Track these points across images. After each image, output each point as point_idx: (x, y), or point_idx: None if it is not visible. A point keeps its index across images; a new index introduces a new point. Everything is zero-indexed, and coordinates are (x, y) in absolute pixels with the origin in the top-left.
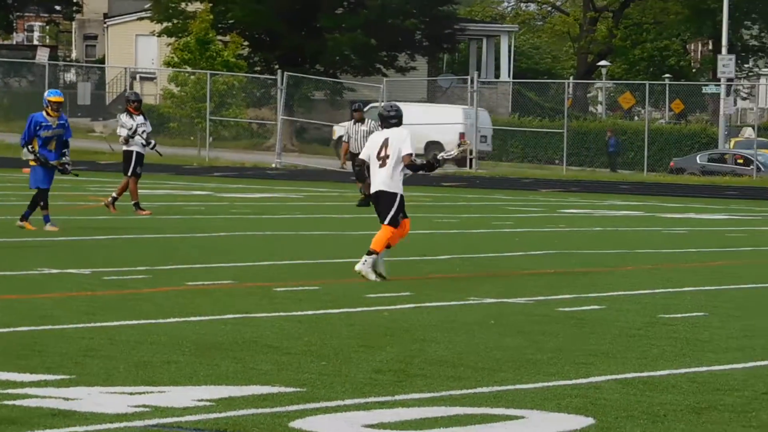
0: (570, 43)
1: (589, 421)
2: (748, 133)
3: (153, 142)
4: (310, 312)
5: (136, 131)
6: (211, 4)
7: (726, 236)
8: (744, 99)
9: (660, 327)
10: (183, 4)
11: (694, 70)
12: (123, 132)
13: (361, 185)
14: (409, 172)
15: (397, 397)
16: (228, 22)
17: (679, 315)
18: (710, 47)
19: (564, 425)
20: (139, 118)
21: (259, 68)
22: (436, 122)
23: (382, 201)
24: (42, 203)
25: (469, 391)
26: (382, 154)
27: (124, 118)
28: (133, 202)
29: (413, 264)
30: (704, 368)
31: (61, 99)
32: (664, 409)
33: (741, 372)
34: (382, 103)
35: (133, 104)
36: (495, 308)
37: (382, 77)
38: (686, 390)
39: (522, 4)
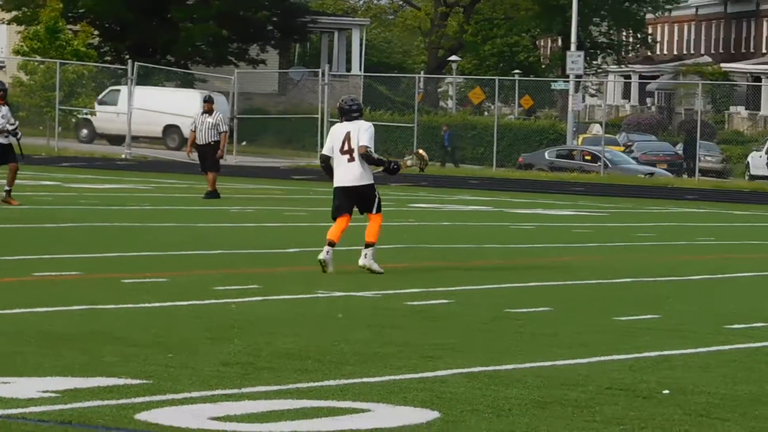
0: (421, 37)
1: (435, 414)
2: (596, 129)
3: (16, 131)
4: (157, 304)
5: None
6: None
7: (573, 232)
8: (592, 96)
9: (506, 321)
10: None
11: (543, 66)
12: None
13: None
14: None
15: (244, 390)
16: (78, 11)
17: (525, 310)
18: (560, 44)
19: (409, 419)
20: (5, 108)
21: (109, 58)
22: (174, 107)
23: (361, 195)
24: None
25: (316, 384)
26: (346, 147)
27: None
28: None
29: (262, 257)
30: (549, 363)
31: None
32: (509, 403)
33: (585, 367)
34: (342, 97)
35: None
36: (343, 302)
37: (233, 69)
38: (531, 384)
39: None
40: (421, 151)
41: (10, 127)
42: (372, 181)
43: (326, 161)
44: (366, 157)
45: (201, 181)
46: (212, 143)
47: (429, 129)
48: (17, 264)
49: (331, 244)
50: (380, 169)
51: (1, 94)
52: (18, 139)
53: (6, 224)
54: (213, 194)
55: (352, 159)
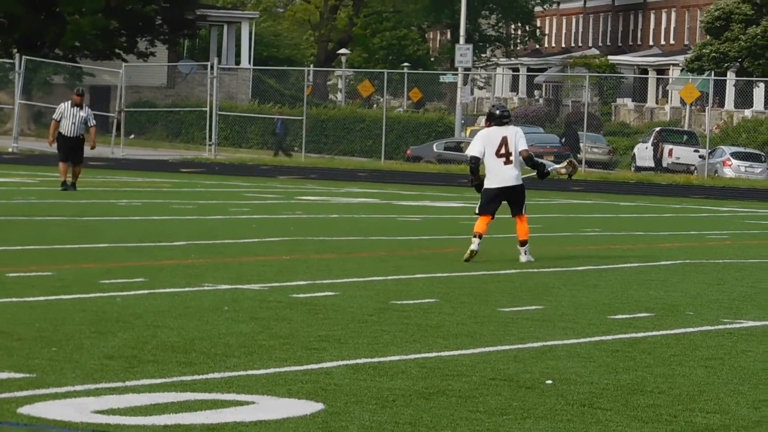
0: (311, 30)
1: (319, 406)
2: (484, 122)
3: None
4: (42, 298)
5: None
6: None
7: (460, 224)
8: (481, 88)
9: (392, 313)
10: None
11: (432, 59)
12: None
13: None
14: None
15: (128, 383)
16: None
17: (410, 301)
18: (449, 36)
19: (293, 410)
20: None
21: None
22: None
23: (518, 194)
24: None
25: (201, 376)
26: (503, 151)
27: None
28: None
29: (148, 250)
30: (434, 354)
31: None
32: (393, 395)
33: (469, 357)
34: (493, 104)
35: None
36: (229, 294)
37: (121, 62)
38: (415, 375)
39: None
40: (573, 160)
41: None
42: (523, 183)
43: (477, 162)
44: (529, 160)
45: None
46: (81, 137)
47: (318, 122)
48: None
49: (480, 236)
50: (534, 173)
51: None
52: None
53: None
54: (73, 186)
55: (509, 162)
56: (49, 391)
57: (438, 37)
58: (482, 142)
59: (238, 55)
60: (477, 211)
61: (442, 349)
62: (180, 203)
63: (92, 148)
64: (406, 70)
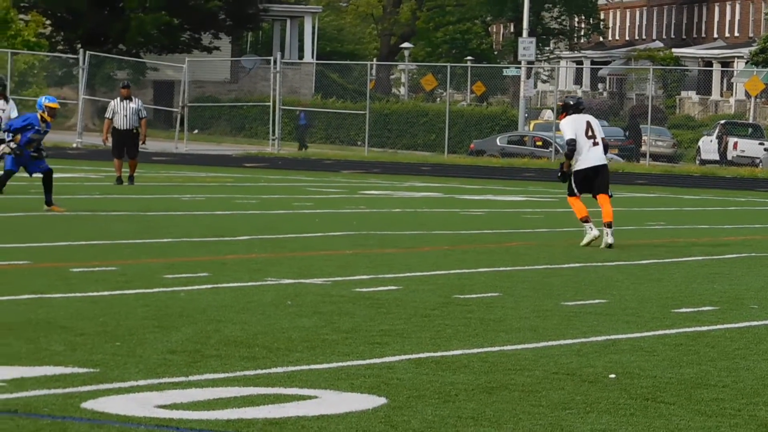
0: (373, 25)
1: (381, 400)
2: (548, 115)
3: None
4: (105, 293)
5: None
6: None
7: (522, 218)
8: (544, 82)
9: (454, 307)
10: None
11: (495, 53)
12: None
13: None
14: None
15: (191, 378)
16: (30, 1)
17: (473, 295)
18: (512, 30)
19: (356, 405)
20: (1, 103)
21: (61, 47)
22: None
23: (602, 174)
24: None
25: (263, 371)
26: (590, 134)
27: None
28: None
29: (211, 245)
30: (496, 348)
31: (58, 106)
32: (455, 389)
33: (532, 352)
34: (565, 95)
35: None
36: (292, 289)
37: (185, 57)
38: (478, 370)
39: None
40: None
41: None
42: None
43: (575, 144)
44: (605, 146)
45: (151, 169)
46: (135, 130)
47: (381, 116)
48: None
49: (587, 220)
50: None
51: (1, 89)
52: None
53: None
54: (131, 180)
55: (596, 143)
56: (112, 386)
57: (501, 31)
58: (573, 127)
59: (301, 49)
60: (575, 192)
61: (505, 344)
62: (243, 198)
63: (143, 142)
64: (469, 64)
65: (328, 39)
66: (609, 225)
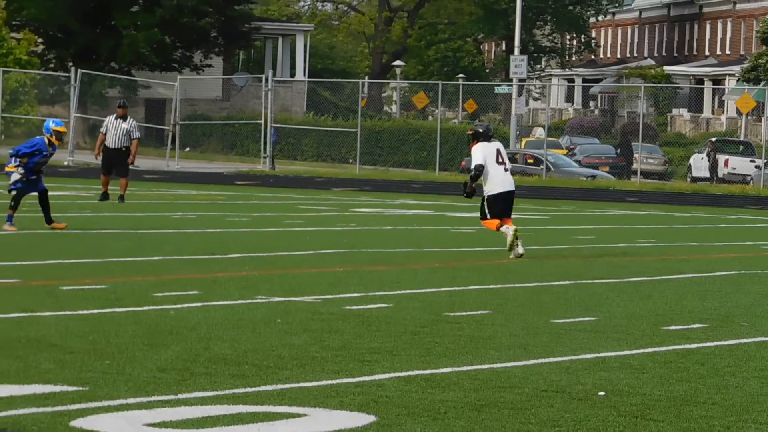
0: (365, 43)
1: (371, 418)
2: (539, 133)
3: None
4: (95, 310)
5: None
6: (4, 1)
7: None
8: (536, 99)
9: (444, 324)
10: None
11: (487, 71)
12: None
13: None
14: None
15: (180, 396)
16: (22, 18)
17: (463, 313)
18: (503, 48)
19: (345, 423)
20: None
21: (53, 65)
22: None
23: (511, 199)
24: (14, 203)
25: (253, 389)
26: (500, 160)
27: None
28: None
29: (202, 263)
30: (486, 365)
31: (65, 129)
32: (445, 406)
33: (522, 369)
34: (479, 122)
35: None
36: (282, 306)
37: (176, 75)
38: (467, 387)
39: (318, 4)
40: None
41: None
42: None
43: (482, 170)
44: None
45: (147, 187)
46: (124, 149)
47: (372, 134)
48: None
49: (501, 226)
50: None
51: None
52: None
53: None
54: (122, 198)
55: (507, 169)
56: (101, 404)
57: (493, 49)
58: (482, 153)
59: (293, 67)
60: (488, 216)
61: (495, 361)
62: (235, 216)
63: (131, 162)
64: (461, 82)
65: (320, 57)
66: (501, 226)
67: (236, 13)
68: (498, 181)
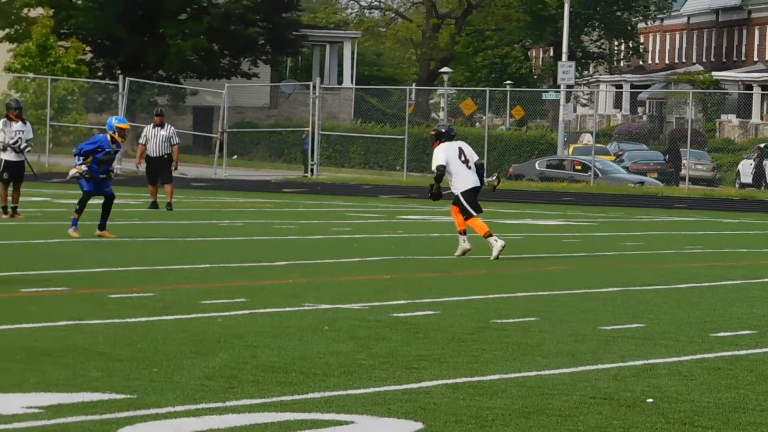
0: (413, 49)
1: (418, 425)
2: (587, 139)
3: (25, 146)
4: (143, 318)
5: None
6: (53, 10)
7: (561, 242)
8: (584, 105)
9: (491, 332)
10: (25, 10)
11: (535, 77)
12: None
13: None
14: None
15: (227, 404)
16: (70, 27)
17: (510, 320)
18: (551, 54)
19: (393, 430)
20: (18, 125)
21: (101, 74)
22: None
23: (476, 194)
24: (79, 207)
25: (300, 396)
26: (462, 159)
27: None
28: (1, 206)
29: (249, 270)
30: (533, 373)
31: (128, 126)
32: (492, 414)
33: (569, 376)
34: (442, 123)
35: (14, 111)
36: (329, 314)
37: (224, 82)
38: (515, 394)
39: (366, 11)
40: (500, 175)
41: (24, 145)
42: None
43: (444, 170)
44: (481, 166)
45: (194, 195)
46: (165, 156)
47: (420, 141)
48: (5, 280)
49: (490, 234)
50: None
51: (17, 112)
52: (20, 150)
53: None
54: (169, 206)
55: (470, 167)
56: (149, 411)
57: (540, 55)
58: (445, 154)
59: (340, 74)
60: (473, 213)
61: (542, 368)
62: (281, 223)
63: (174, 168)
64: (508, 88)
65: (368, 64)
66: (490, 234)
67: (284, 20)
68: (464, 177)
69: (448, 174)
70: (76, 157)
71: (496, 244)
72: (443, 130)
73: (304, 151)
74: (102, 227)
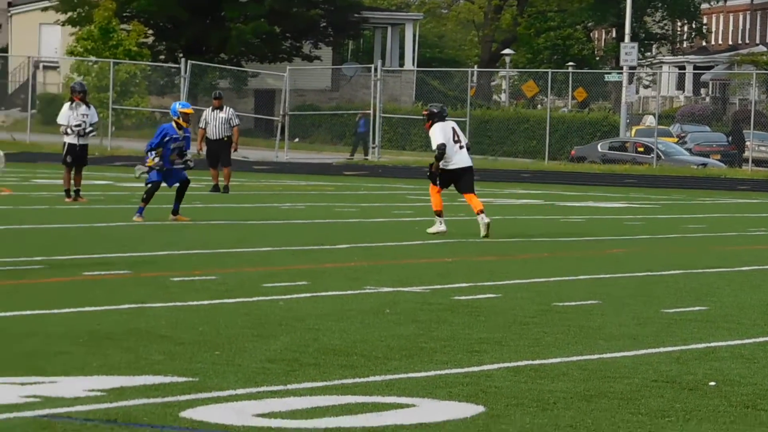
0: (474, 31)
1: (479, 409)
2: (650, 121)
3: (90, 130)
4: (205, 302)
5: (73, 123)
6: None
7: (623, 224)
8: (646, 87)
9: (553, 315)
10: None
11: (597, 58)
12: (63, 122)
13: None
14: None
15: (289, 386)
16: (132, 10)
17: (572, 303)
18: (613, 35)
19: (454, 413)
20: (82, 108)
21: (163, 57)
22: None
23: (468, 174)
24: (147, 196)
25: (361, 379)
26: (456, 139)
27: (64, 108)
28: (64, 189)
29: (311, 253)
30: (595, 356)
31: (192, 111)
32: (554, 397)
33: (631, 359)
34: (434, 104)
35: (78, 95)
36: (391, 297)
37: (286, 65)
38: (576, 377)
39: None
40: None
41: (89, 129)
42: None
43: (445, 148)
44: (468, 148)
45: (251, 177)
46: (225, 138)
47: (481, 123)
48: (68, 263)
49: (440, 214)
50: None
51: (81, 95)
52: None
53: (57, 224)
54: (226, 189)
55: (462, 147)
56: (210, 394)
57: (603, 36)
58: (443, 133)
59: (401, 56)
60: (436, 183)
61: (604, 351)
62: (343, 206)
63: (234, 149)
64: (570, 70)
65: (429, 46)
66: (482, 211)
67: (345, 2)
68: (453, 158)
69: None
70: (148, 153)
71: (440, 227)
72: (435, 111)
73: (357, 133)
74: (176, 212)
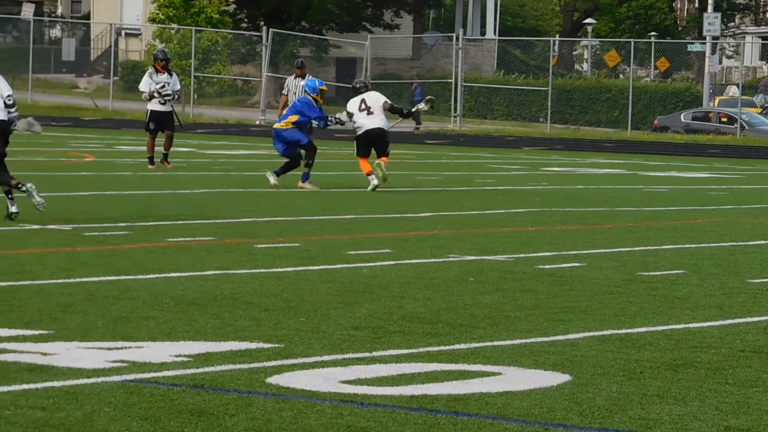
0: (556, 0)
1: (566, 377)
2: (733, 91)
3: (168, 93)
4: (289, 269)
5: (156, 90)
6: None
7: (707, 195)
8: (729, 57)
9: (638, 284)
10: None
11: (680, 28)
12: (144, 89)
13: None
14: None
15: (374, 354)
16: None
17: (657, 273)
18: (696, 5)
19: (540, 382)
20: (164, 76)
21: (244, 25)
22: None
23: (380, 138)
24: (311, 161)
25: (446, 347)
26: (363, 107)
27: (146, 75)
28: (147, 156)
29: (394, 221)
30: (681, 326)
31: (326, 88)
32: (640, 366)
33: (718, 329)
34: (357, 80)
35: (161, 62)
36: (474, 265)
37: (367, 34)
38: (663, 347)
39: None
40: (432, 97)
41: (168, 97)
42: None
43: (351, 116)
44: (392, 109)
45: (337, 145)
46: None
47: (563, 92)
48: (152, 229)
49: (370, 173)
50: (399, 120)
51: (163, 63)
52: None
53: (141, 190)
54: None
55: (370, 113)
56: (297, 361)
57: (686, 6)
58: (354, 105)
59: (483, 25)
60: (359, 154)
61: (690, 321)
62: (425, 175)
63: None
64: (653, 40)
65: (511, 15)
66: (369, 174)
67: None
68: (363, 121)
69: (354, 121)
70: (320, 121)
71: (373, 182)
72: (356, 86)
73: (413, 102)
74: (305, 178)
